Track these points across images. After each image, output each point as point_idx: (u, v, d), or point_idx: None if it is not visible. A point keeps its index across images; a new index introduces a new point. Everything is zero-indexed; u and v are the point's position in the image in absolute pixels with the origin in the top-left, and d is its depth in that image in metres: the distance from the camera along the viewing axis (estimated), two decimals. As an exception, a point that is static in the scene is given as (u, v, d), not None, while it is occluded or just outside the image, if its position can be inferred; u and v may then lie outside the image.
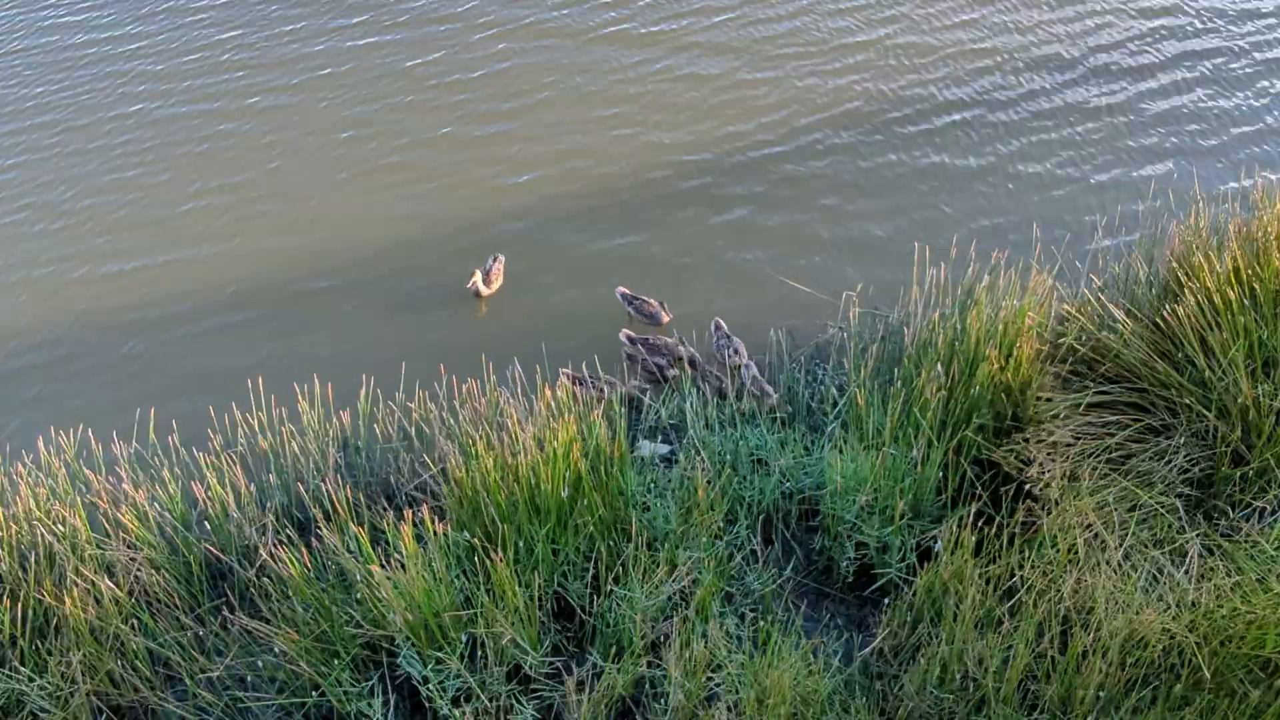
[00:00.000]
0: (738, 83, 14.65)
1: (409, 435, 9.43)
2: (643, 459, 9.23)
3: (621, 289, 11.41)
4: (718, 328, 10.91)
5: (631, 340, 10.92)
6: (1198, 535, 7.55)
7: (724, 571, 8.04)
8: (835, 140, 13.87)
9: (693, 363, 10.46)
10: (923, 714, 7.22)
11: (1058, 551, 7.52)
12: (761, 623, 7.56)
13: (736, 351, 10.54)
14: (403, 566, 7.44)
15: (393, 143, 13.98)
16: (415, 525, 8.12)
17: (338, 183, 13.47)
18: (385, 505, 8.81)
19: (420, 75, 14.97)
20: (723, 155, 13.64)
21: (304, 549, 7.78)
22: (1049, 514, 7.80)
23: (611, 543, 8.07)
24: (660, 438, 9.86)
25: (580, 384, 10.24)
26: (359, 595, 7.55)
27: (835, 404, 9.74)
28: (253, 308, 11.82)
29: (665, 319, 11.25)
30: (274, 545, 8.03)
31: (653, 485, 8.71)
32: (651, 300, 11.29)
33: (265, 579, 7.89)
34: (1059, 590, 7.34)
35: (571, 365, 9.71)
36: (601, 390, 10.18)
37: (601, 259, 12.28)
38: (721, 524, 8.29)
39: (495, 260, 11.72)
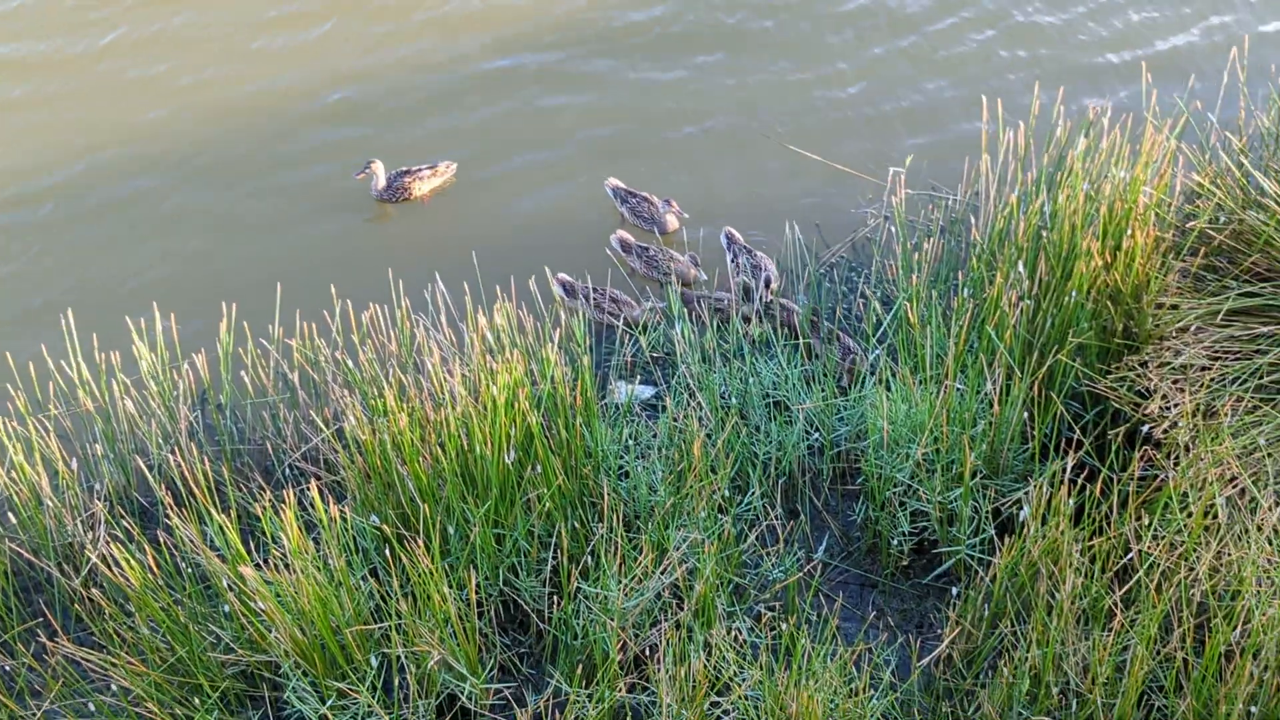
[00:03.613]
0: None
1: (290, 385, 9.31)
2: (617, 407, 9.10)
3: (612, 181, 11.31)
4: (731, 240, 10.72)
5: (627, 247, 10.77)
6: (1383, 487, 7.46)
7: (731, 557, 7.97)
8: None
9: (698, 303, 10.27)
10: (1008, 743, 7.16)
11: (1189, 516, 7.44)
12: (784, 625, 7.50)
13: (766, 277, 10.29)
14: (287, 566, 7.32)
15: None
16: (302, 508, 7.99)
17: (188, 40, 13.23)
18: (261, 483, 8.72)
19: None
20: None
21: (148, 546, 7.65)
22: (1176, 465, 7.72)
23: (577, 523, 8.01)
24: (641, 377, 9.72)
25: (578, 297, 10.20)
26: (227, 608, 7.46)
27: (878, 323, 9.60)
28: (61, 208, 11.63)
29: (673, 225, 11.07)
30: (106, 543, 7.87)
31: (631, 442, 8.62)
32: (654, 198, 11.08)
33: (96, 589, 7.77)
34: (1191, 569, 7.26)
35: (516, 285, 9.55)
36: (607, 310, 10.15)
37: (554, 128, 12.17)
38: (727, 492, 8.22)
39: (432, 168, 11.51)
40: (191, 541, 7.59)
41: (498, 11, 13.45)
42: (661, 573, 7.63)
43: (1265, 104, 10.05)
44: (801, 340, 9.55)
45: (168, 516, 7.90)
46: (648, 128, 12.17)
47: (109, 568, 7.59)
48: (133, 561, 7.38)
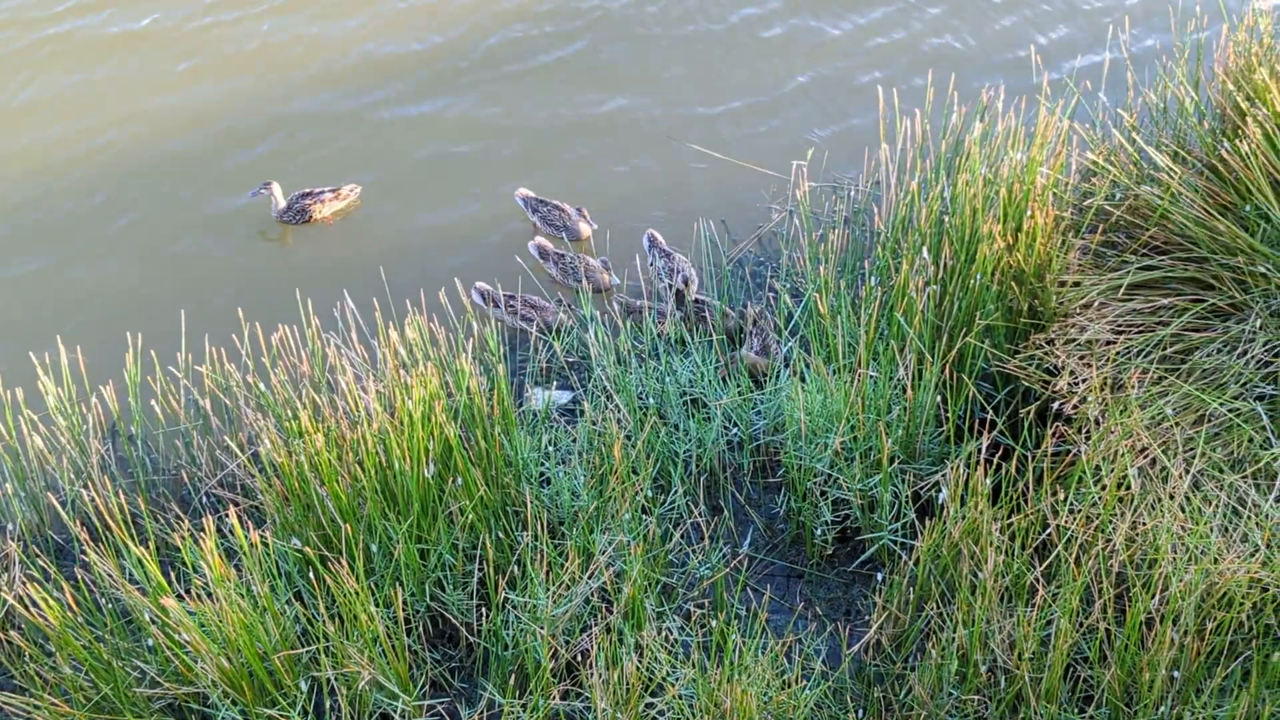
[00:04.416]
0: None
1: (203, 411, 9.14)
2: (535, 414, 9.05)
3: (522, 191, 11.22)
4: (653, 242, 10.68)
5: (545, 254, 10.70)
6: (1287, 449, 7.59)
7: (658, 557, 7.95)
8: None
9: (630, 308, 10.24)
10: (941, 724, 7.20)
11: (1103, 489, 7.51)
12: (714, 622, 7.48)
13: (684, 278, 10.26)
14: (209, 595, 7.19)
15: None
16: (222, 536, 7.87)
17: (83, 59, 12.96)
18: (178, 512, 8.59)
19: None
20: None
21: (66, 584, 7.46)
22: (1088, 439, 7.81)
23: (501, 533, 7.95)
24: (557, 382, 9.68)
25: (497, 304, 10.18)
26: (151, 642, 7.30)
27: (789, 316, 9.62)
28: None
29: (585, 233, 11.01)
30: (22, 583, 7.70)
31: (551, 449, 8.57)
32: (565, 206, 11.01)
33: (14, 631, 7.63)
34: (1109, 541, 7.35)
35: (426, 298, 9.47)
36: (521, 314, 10.11)
37: (452, 141, 12.05)
38: (650, 493, 8.19)
39: (334, 191, 11.33)
40: (110, 576, 7.44)
41: (395, 30, 13.37)
42: (589, 577, 7.59)
43: (1152, 81, 10.19)
44: (716, 336, 9.54)
45: (84, 553, 7.75)
46: (547, 135, 12.11)
47: (26, 608, 7.40)
48: (51, 601, 7.21)
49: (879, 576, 7.89)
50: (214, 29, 13.34)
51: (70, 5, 13.54)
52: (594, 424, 8.55)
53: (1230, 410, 7.78)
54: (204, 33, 13.29)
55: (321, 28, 13.26)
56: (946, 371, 8.23)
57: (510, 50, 13.02)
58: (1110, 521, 7.39)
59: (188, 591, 7.44)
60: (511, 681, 7.31)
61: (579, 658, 7.66)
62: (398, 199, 11.56)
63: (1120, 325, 8.31)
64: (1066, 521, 7.43)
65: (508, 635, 7.54)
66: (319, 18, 13.35)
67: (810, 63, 12.73)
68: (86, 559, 7.73)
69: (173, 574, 7.73)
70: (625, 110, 12.28)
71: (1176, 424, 7.75)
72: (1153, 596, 7.02)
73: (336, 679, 7.26)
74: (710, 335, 9.59)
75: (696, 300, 9.96)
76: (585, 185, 11.57)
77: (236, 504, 8.49)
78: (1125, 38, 10.14)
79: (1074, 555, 7.30)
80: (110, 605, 7.63)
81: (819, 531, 8.31)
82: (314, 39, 13.16)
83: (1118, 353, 8.16)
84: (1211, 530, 7.24)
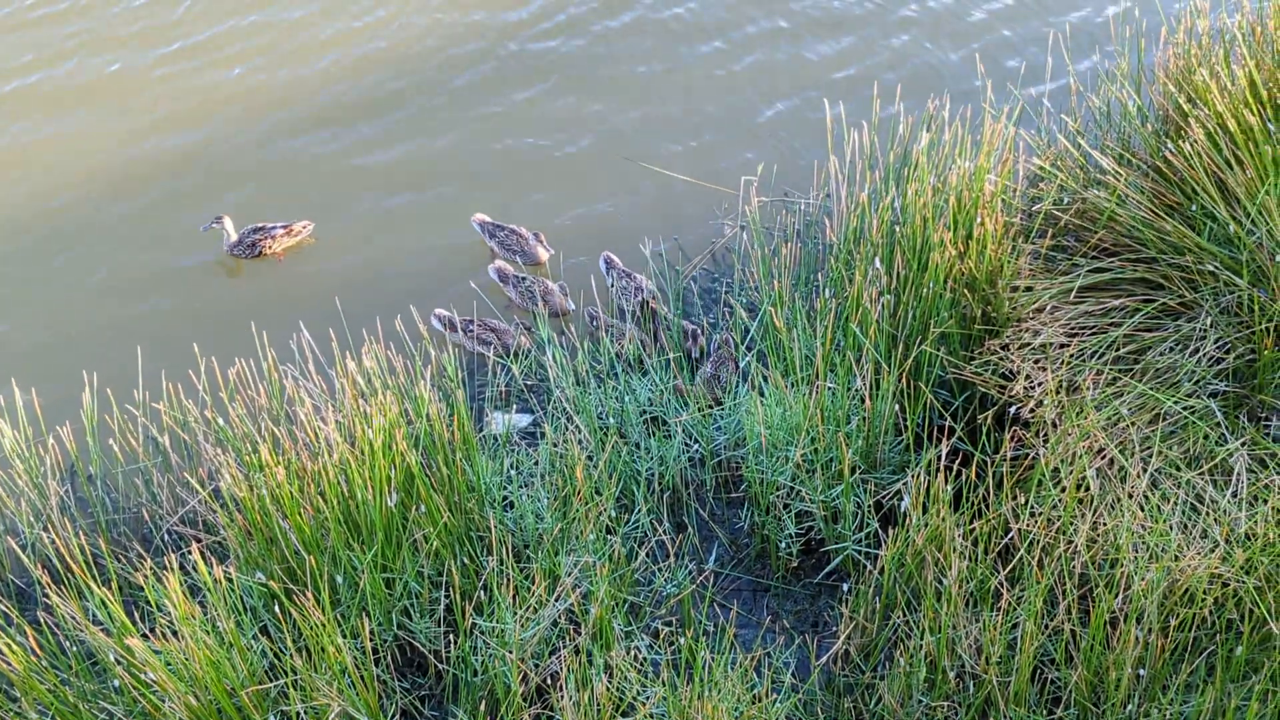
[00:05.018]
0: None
1: (162, 448, 9.08)
2: (496, 438, 9.02)
3: (479, 216, 11.19)
4: (610, 264, 10.66)
5: (505, 277, 10.68)
6: (1243, 444, 7.63)
7: (624, 577, 7.93)
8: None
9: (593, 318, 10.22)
10: (912, 731, 7.20)
11: (1063, 490, 7.55)
12: (682, 639, 7.47)
13: (650, 294, 10.25)
14: (174, 633, 7.11)
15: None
16: (185, 573, 7.80)
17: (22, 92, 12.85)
18: (140, 551, 8.45)
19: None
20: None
21: (29, 628, 7.36)
22: (1045, 442, 7.84)
23: (466, 559, 7.90)
24: (517, 405, 9.65)
25: (455, 329, 10.17)
26: (117, 683, 7.22)
27: (746, 330, 9.63)
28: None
29: (543, 257, 10.99)
30: (-17, 629, 7.58)
31: (514, 473, 8.54)
32: (522, 230, 10.99)
33: (-23, 678, 7.50)
34: (1070, 542, 7.38)
35: (383, 327, 9.42)
36: (478, 337, 10.09)
37: (399, 170, 12.02)
38: (613, 513, 8.16)
39: (286, 228, 11.23)
40: (73, 619, 7.33)
41: (359, 75, 13.34)
42: (555, 600, 7.55)
43: (1094, 82, 10.28)
44: (674, 354, 9.54)
45: (46, 596, 7.67)
46: (505, 164, 12.09)
47: (-12, 654, 7.31)
48: (14, 645, 7.11)
49: (845, 587, 7.90)
50: (178, 78, 13.25)
51: (33, 58, 13.43)
52: (555, 446, 8.53)
53: (1185, 408, 7.83)
54: (167, 82, 13.22)
55: (289, 71, 13.17)
56: (904, 380, 8.25)
57: (472, 91, 12.97)
58: (1071, 523, 7.42)
59: (152, 631, 7.35)
60: (482, 707, 7.29)
61: (549, 680, 7.62)
62: (354, 231, 11.51)
63: (1073, 328, 8.35)
64: (1028, 525, 7.45)
65: (476, 661, 7.50)
66: (286, 62, 13.26)
67: (765, 87, 12.76)
68: (49, 602, 7.65)
69: (137, 614, 7.65)
70: (585, 137, 12.26)
71: (1132, 424, 7.79)
72: (1116, 596, 7.07)
73: (306, 712, 7.18)
74: (668, 353, 9.60)
75: (662, 315, 9.97)
76: (542, 210, 11.55)
77: (199, 540, 8.42)
78: (1066, 30, 10.20)
79: (1037, 558, 7.33)
80: (75, 648, 7.52)
81: (784, 544, 8.31)
82: (280, 85, 13.08)
83: (1072, 355, 8.20)
84: (1171, 528, 7.29)
